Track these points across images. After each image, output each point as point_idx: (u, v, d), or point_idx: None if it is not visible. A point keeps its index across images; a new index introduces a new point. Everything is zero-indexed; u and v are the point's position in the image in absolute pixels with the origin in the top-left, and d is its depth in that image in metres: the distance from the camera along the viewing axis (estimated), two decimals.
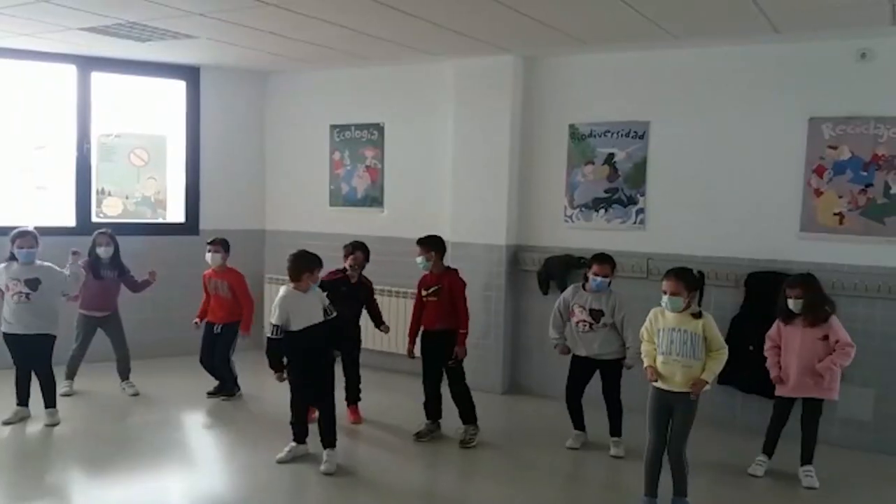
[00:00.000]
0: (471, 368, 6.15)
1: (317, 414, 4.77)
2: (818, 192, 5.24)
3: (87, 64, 6.70)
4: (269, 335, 4.56)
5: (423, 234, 5.09)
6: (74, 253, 5.37)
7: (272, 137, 7.67)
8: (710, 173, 5.60)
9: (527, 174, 6.31)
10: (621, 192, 5.93)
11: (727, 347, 3.97)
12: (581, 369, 5.03)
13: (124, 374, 6.05)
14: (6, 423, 5.13)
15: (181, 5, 4.76)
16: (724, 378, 5.40)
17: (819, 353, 4.46)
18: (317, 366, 4.56)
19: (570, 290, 5.09)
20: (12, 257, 5.12)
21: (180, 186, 7.31)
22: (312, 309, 4.52)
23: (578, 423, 5.11)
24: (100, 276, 5.83)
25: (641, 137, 5.82)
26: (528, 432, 5.42)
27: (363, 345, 5.70)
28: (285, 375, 4.59)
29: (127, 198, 7.10)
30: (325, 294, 4.69)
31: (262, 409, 5.71)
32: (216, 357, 5.94)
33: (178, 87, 7.23)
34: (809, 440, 4.54)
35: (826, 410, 5.05)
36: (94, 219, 6.87)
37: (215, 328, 5.95)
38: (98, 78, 6.83)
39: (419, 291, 5.24)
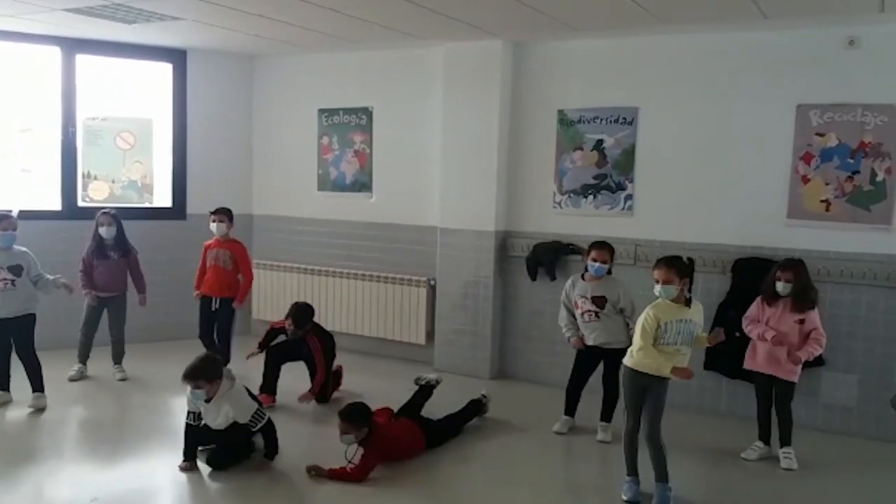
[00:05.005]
0: (459, 354, 6.21)
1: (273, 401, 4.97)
2: (805, 179, 5.26)
3: (72, 46, 6.61)
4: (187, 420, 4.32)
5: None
6: (66, 286, 5.27)
7: (260, 121, 7.61)
8: (698, 160, 5.60)
9: (516, 160, 6.30)
10: (610, 178, 5.93)
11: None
12: (587, 359, 5.02)
13: (117, 358, 6.03)
14: None
15: None
16: (709, 364, 5.48)
17: (793, 335, 4.55)
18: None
19: (568, 283, 5.07)
20: None
21: (167, 170, 7.25)
22: (219, 418, 4.25)
23: (571, 409, 5.12)
24: (105, 257, 5.85)
25: (630, 124, 5.82)
26: (515, 417, 5.43)
27: (358, 331, 5.63)
28: None
29: (113, 182, 7.03)
30: None
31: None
32: (217, 333, 5.96)
33: (165, 70, 7.16)
34: (785, 422, 4.64)
35: (810, 395, 5.15)
36: (80, 203, 6.81)
37: (213, 303, 5.94)
38: (83, 60, 6.74)
39: None
